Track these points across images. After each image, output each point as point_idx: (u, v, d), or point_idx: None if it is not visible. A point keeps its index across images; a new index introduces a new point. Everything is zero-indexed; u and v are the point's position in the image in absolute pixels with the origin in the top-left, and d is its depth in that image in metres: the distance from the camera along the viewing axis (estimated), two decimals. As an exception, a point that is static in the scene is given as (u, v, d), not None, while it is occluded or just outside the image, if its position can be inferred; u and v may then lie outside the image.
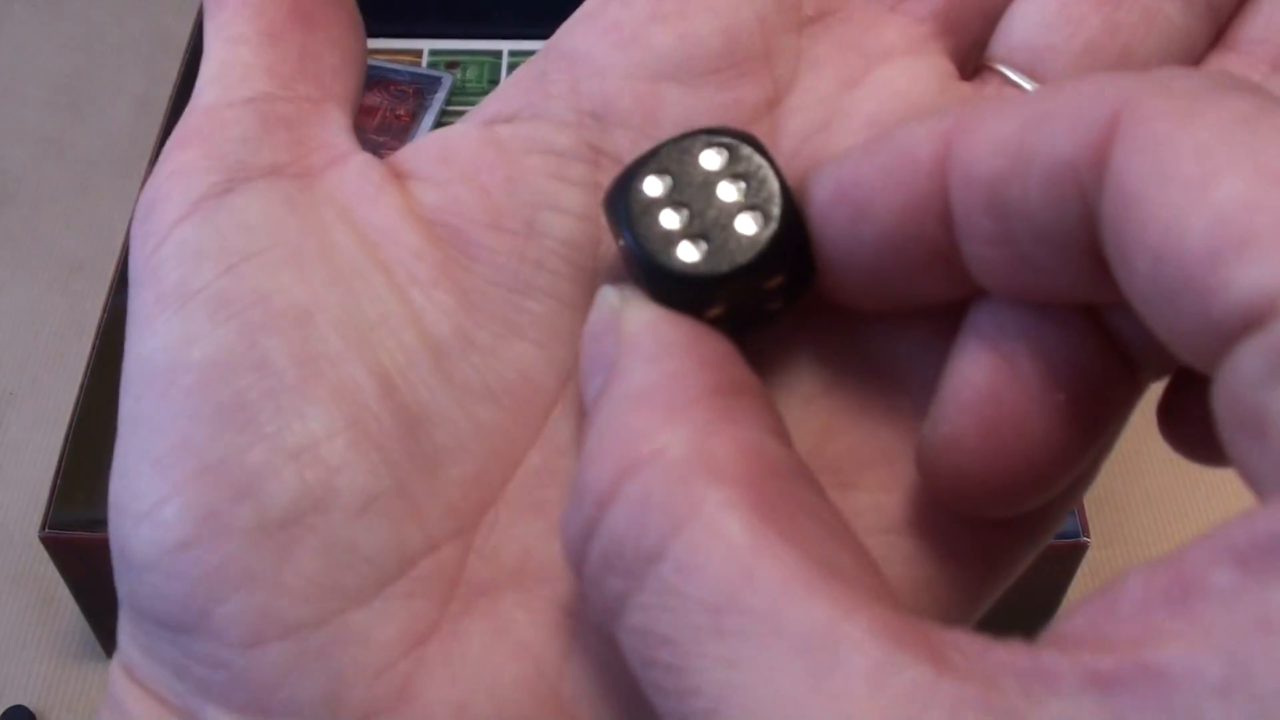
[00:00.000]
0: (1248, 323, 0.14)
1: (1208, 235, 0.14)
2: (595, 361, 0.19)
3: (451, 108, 0.64)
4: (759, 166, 0.19)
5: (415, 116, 0.63)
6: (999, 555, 0.20)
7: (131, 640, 0.20)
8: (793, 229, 0.19)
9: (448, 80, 0.64)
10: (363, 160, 0.22)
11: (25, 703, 0.53)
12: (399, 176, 0.21)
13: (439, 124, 0.63)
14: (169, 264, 0.20)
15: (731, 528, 0.16)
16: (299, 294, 0.20)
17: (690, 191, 0.19)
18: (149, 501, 0.19)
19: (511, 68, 0.65)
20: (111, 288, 0.56)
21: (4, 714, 0.52)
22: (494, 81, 0.65)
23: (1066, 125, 0.16)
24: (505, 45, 0.66)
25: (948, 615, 0.20)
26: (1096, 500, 0.57)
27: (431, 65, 0.66)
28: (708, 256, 0.19)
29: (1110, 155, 0.16)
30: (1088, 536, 0.49)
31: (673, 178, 0.19)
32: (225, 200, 0.20)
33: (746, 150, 0.19)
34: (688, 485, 0.16)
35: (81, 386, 0.52)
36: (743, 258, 0.19)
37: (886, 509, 0.20)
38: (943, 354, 0.20)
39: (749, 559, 0.15)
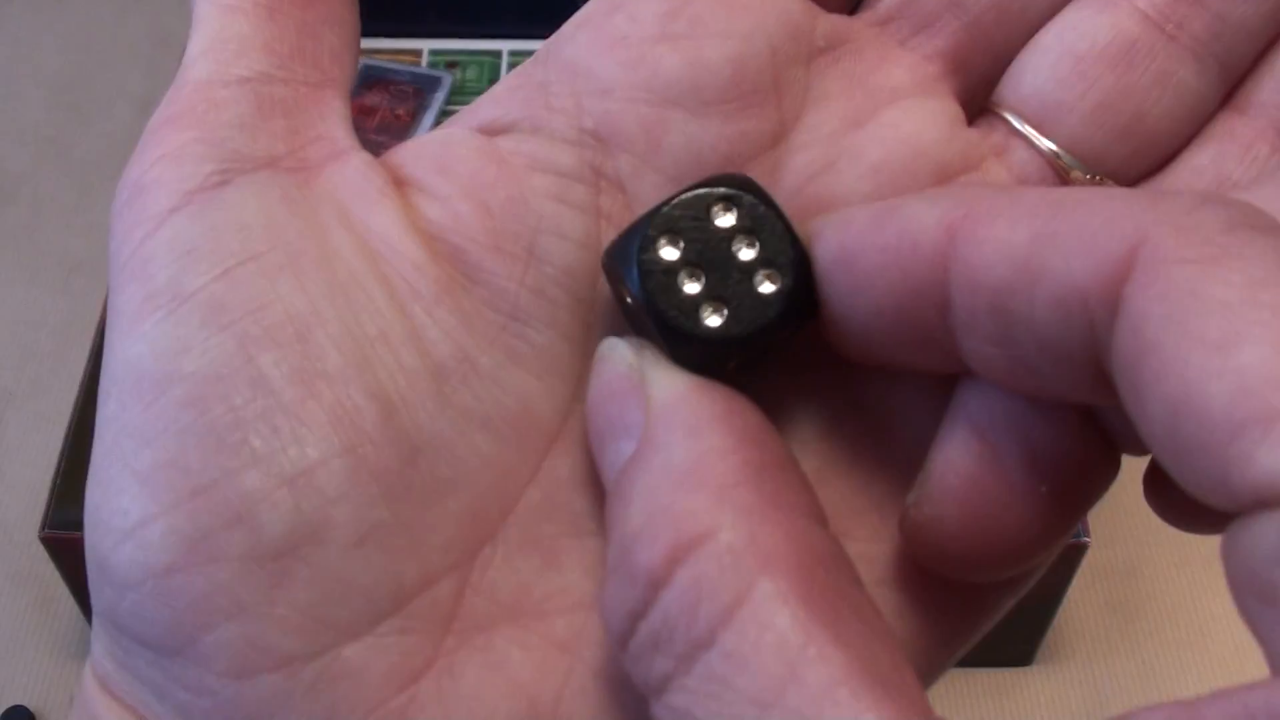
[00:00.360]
0: (1265, 500, 0.14)
1: (1229, 404, 0.14)
2: (615, 424, 0.19)
3: (451, 108, 0.64)
4: (768, 219, 0.19)
5: (415, 116, 0.63)
6: (980, 607, 0.21)
7: (107, 653, 0.20)
8: (802, 279, 0.19)
9: (448, 80, 0.64)
10: (363, 161, 0.21)
11: (25, 703, 0.53)
12: (398, 182, 0.21)
13: (439, 124, 0.63)
14: (159, 259, 0.19)
15: (781, 621, 0.16)
16: (297, 304, 0.19)
17: (706, 254, 0.19)
18: (133, 519, 0.18)
19: (511, 68, 0.65)
20: (111, 288, 0.56)
21: (4, 714, 0.52)
22: (494, 81, 0.65)
23: (1080, 250, 0.16)
24: (505, 45, 0.66)
25: (929, 663, 0.20)
26: (1096, 500, 0.57)
27: (431, 65, 0.66)
28: (729, 320, 0.19)
29: (1126, 292, 0.16)
30: (1088, 536, 0.49)
31: (685, 240, 0.19)
32: (220, 194, 0.20)
33: (751, 200, 0.19)
34: (739, 573, 0.16)
35: (81, 386, 0.52)
36: (763, 317, 0.19)
37: (876, 561, 0.20)
38: (935, 407, 0.20)
39: (796, 656, 0.15)
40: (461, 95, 0.65)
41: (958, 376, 0.19)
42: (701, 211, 0.19)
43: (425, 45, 0.66)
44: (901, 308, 0.18)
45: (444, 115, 0.63)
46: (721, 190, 0.19)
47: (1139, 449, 0.19)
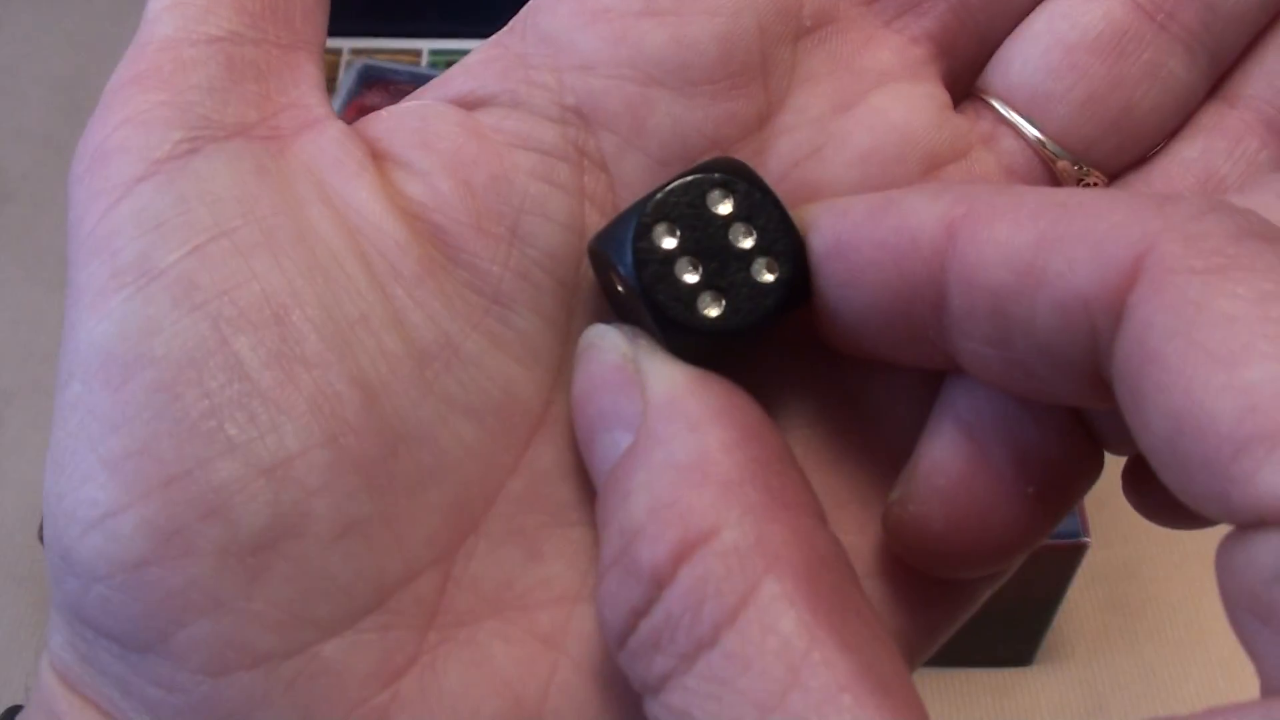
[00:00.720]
0: (1267, 518, 0.14)
1: (1235, 420, 0.14)
2: (609, 415, 0.18)
3: (451, 108, 0.64)
4: (764, 206, 0.19)
5: (415, 116, 0.63)
6: (960, 598, 0.21)
7: (67, 645, 0.19)
8: (799, 264, 0.19)
9: (448, 80, 0.64)
10: (339, 131, 0.20)
11: (25, 703, 0.53)
12: (376, 155, 0.20)
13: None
14: (125, 232, 0.18)
15: (785, 623, 0.16)
16: (274, 284, 0.18)
17: (704, 243, 0.19)
18: (101, 508, 0.18)
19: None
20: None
21: (4, 714, 0.52)
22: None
23: (1085, 256, 0.16)
24: (505, 45, 0.66)
25: (911, 653, 0.20)
26: (1096, 500, 0.57)
27: (431, 65, 0.66)
28: (728, 310, 0.19)
29: (1131, 300, 0.15)
30: (1088, 536, 0.49)
31: (682, 228, 0.19)
32: (190, 163, 0.19)
33: (746, 187, 0.19)
34: (745, 572, 0.16)
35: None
36: (762, 307, 0.19)
37: (860, 553, 0.20)
38: (922, 401, 0.20)
39: (800, 660, 0.15)
40: (461, 95, 0.65)
41: (945, 372, 0.19)
42: (698, 198, 0.19)
43: (425, 45, 0.66)
44: (896, 303, 0.18)
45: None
46: (717, 176, 0.19)
47: (1125, 448, 0.19)
